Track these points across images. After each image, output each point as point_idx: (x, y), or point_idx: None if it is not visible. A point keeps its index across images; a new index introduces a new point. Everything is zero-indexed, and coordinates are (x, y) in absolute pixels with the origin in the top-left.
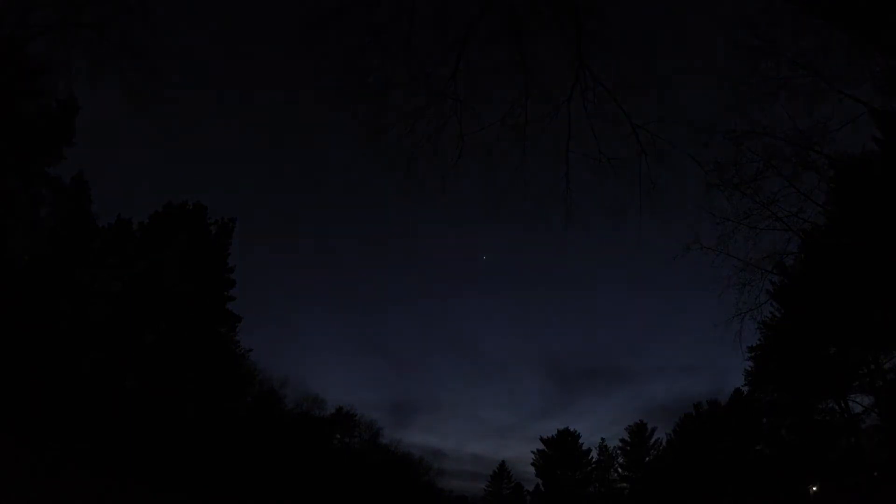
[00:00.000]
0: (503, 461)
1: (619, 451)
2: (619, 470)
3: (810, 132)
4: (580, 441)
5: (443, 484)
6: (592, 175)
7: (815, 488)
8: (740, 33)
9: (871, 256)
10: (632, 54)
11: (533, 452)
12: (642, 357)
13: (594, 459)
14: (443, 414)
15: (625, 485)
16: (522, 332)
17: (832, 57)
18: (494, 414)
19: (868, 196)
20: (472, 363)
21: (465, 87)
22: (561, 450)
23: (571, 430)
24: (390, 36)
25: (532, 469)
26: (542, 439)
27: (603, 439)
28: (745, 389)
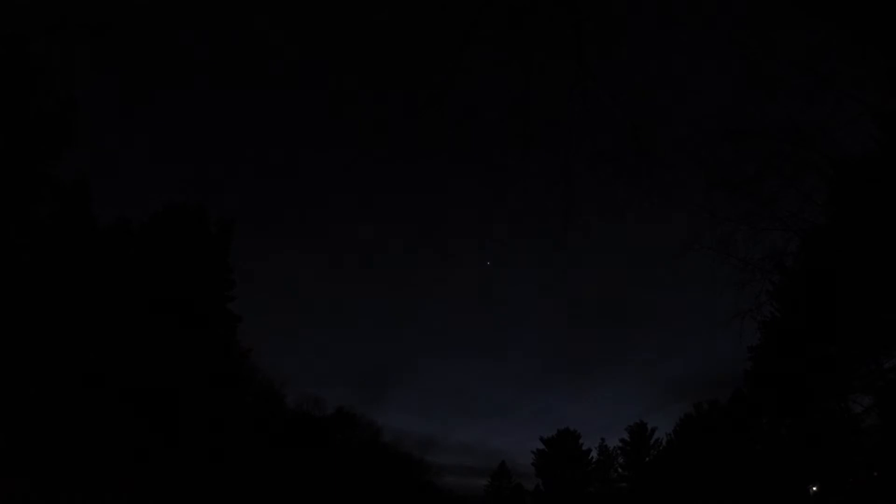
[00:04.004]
0: (503, 461)
1: (619, 451)
2: (619, 470)
3: (810, 132)
4: (580, 441)
5: (438, 480)
6: (593, 174)
7: (815, 488)
8: (740, 33)
9: (871, 256)
10: (632, 54)
11: (533, 452)
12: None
13: (594, 459)
14: (423, 388)
15: (625, 485)
16: (518, 278)
17: (832, 57)
18: (485, 390)
19: (868, 196)
20: (455, 323)
21: (464, 87)
22: (561, 450)
23: (571, 429)
24: (390, 36)
25: (530, 461)
26: (542, 439)
27: (603, 439)
28: (745, 389)
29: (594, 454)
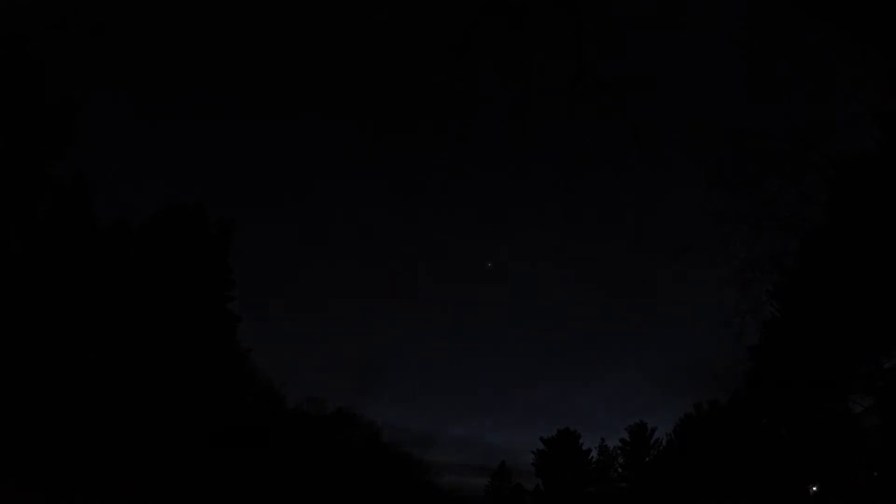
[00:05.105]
0: (503, 461)
1: (619, 451)
2: (619, 470)
3: (810, 132)
4: (580, 441)
5: (438, 480)
6: (594, 173)
7: (815, 488)
8: (741, 33)
9: (871, 256)
10: (633, 53)
11: (533, 452)
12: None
13: (594, 459)
14: (422, 384)
15: (625, 485)
16: (519, 276)
17: (832, 57)
18: (484, 388)
19: (868, 196)
20: (454, 321)
21: (464, 87)
22: (561, 450)
23: (571, 430)
24: (389, 38)
25: (530, 461)
26: (542, 439)
27: (603, 439)
28: (745, 389)
29: (594, 454)
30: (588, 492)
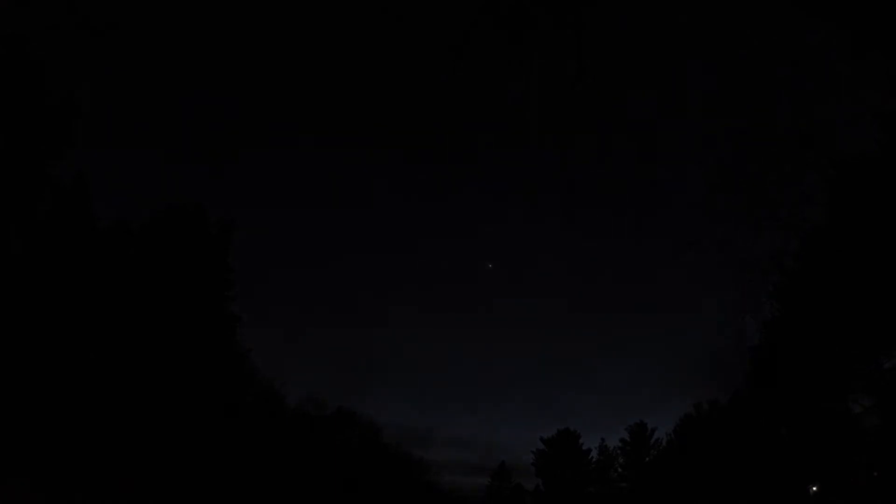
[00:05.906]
0: (503, 461)
1: (619, 451)
2: (619, 470)
3: (810, 132)
4: (580, 441)
5: (438, 479)
6: (594, 172)
7: (815, 488)
8: (741, 33)
9: (871, 256)
10: (633, 55)
11: (533, 452)
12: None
13: (594, 459)
14: (421, 380)
15: (625, 485)
16: (520, 274)
17: (832, 57)
18: (484, 385)
19: (868, 196)
20: (454, 319)
21: (465, 87)
22: (561, 450)
23: (572, 430)
24: (389, 37)
25: (530, 461)
26: (542, 439)
27: (603, 439)
28: (745, 389)
29: (594, 454)
30: (588, 492)
